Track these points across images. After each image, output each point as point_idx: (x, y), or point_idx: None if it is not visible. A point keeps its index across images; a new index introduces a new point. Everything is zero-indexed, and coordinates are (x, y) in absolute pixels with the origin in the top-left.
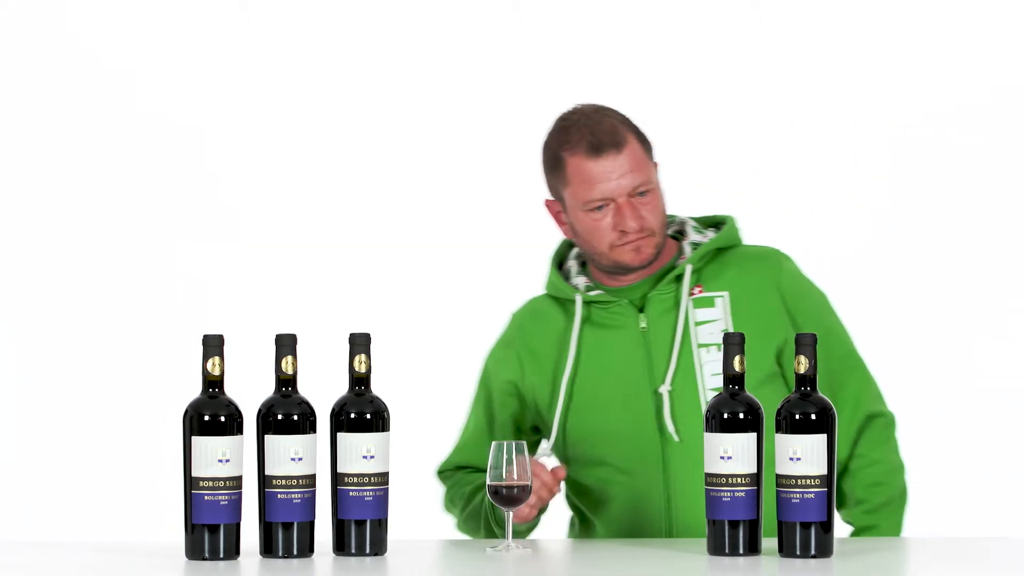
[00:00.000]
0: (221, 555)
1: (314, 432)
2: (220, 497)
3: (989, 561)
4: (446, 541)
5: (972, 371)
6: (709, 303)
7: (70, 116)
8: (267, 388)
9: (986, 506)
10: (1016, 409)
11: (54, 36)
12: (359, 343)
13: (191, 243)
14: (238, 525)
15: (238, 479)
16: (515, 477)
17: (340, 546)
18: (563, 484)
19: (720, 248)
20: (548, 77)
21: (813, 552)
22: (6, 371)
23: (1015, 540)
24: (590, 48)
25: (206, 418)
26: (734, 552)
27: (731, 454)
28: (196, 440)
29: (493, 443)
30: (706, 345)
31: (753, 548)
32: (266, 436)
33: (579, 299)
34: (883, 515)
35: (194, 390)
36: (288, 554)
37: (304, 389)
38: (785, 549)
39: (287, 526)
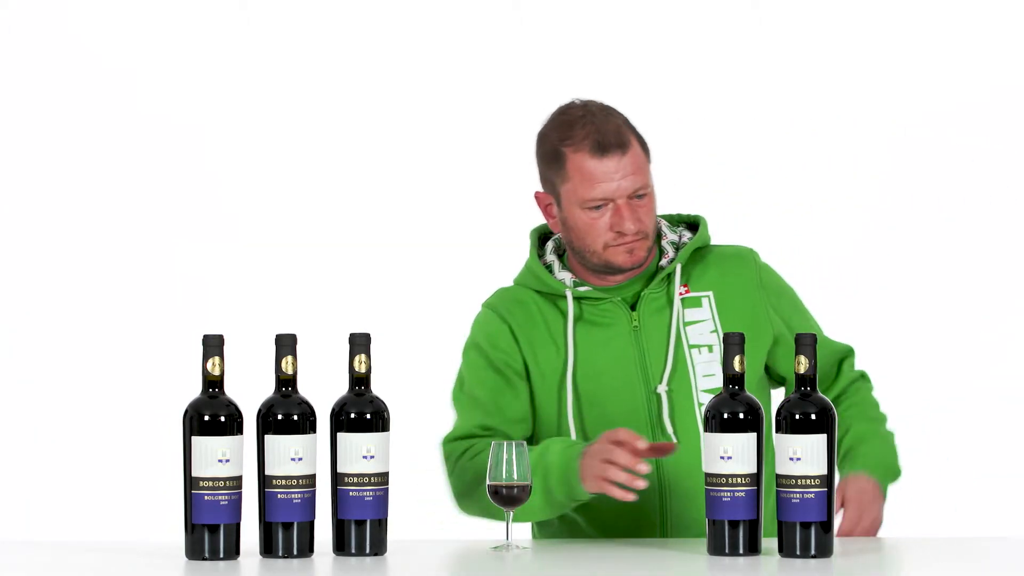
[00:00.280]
0: (221, 555)
1: (314, 432)
2: (220, 497)
3: (989, 561)
4: (446, 541)
5: (971, 371)
6: (696, 303)
7: (70, 116)
8: (267, 388)
9: (986, 506)
10: (1016, 409)
11: (54, 36)
12: (359, 343)
13: (191, 243)
14: (238, 525)
15: (238, 479)
16: (515, 477)
17: (340, 546)
18: None
19: (697, 248)
20: (548, 77)
21: (813, 552)
22: (6, 371)
23: (1015, 540)
24: (590, 48)
25: (206, 418)
26: (734, 552)
27: (731, 454)
28: (196, 440)
29: (493, 443)
30: (697, 346)
31: (753, 548)
32: (266, 436)
33: (570, 295)
34: (881, 427)
35: (194, 390)
36: (288, 554)
37: (304, 389)
38: (785, 549)
39: (287, 526)
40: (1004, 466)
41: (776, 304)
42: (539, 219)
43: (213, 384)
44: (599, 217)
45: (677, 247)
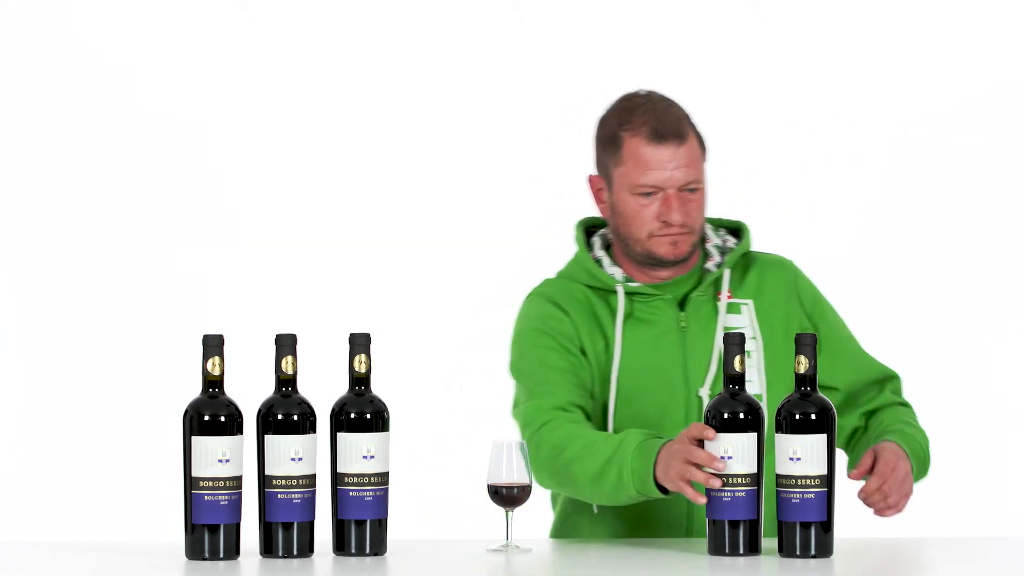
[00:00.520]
0: (221, 555)
1: (314, 432)
2: (220, 497)
3: (989, 561)
4: (446, 541)
5: (971, 371)
6: (736, 310)
7: (70, 116)
8: (267, 388)
9: (986, 506)
10: (1015, 409)
11: (54, 36)
12: (359, 343)
13: (191, 243)
14: (238, 525)
15: (238, 479)
16: (515, 477)
17: (340, 546)
18: None
19: (741, 253)
20: (548, 77)
21: (813, 552)
22: (6, 371)
23: (1015, 540)
24: (590, 48)
25: (206, 418)
26: (734, 552)
27: (731, 454)
28: (196, 440)
29: (493, 443)
30: None
31: (753, 548)
32: (266, 436)
33: (621, 290)
34: (918, 431)
35: (194, 390)
36: (288, 554)
37: (304, 389)
38: (785, 549)
39: (287, 526)
40: (1004, 466)
41: (811, 315)
42: (544, 224)
43: (213, 384)
44: (648, 205)
45: (722, 251)
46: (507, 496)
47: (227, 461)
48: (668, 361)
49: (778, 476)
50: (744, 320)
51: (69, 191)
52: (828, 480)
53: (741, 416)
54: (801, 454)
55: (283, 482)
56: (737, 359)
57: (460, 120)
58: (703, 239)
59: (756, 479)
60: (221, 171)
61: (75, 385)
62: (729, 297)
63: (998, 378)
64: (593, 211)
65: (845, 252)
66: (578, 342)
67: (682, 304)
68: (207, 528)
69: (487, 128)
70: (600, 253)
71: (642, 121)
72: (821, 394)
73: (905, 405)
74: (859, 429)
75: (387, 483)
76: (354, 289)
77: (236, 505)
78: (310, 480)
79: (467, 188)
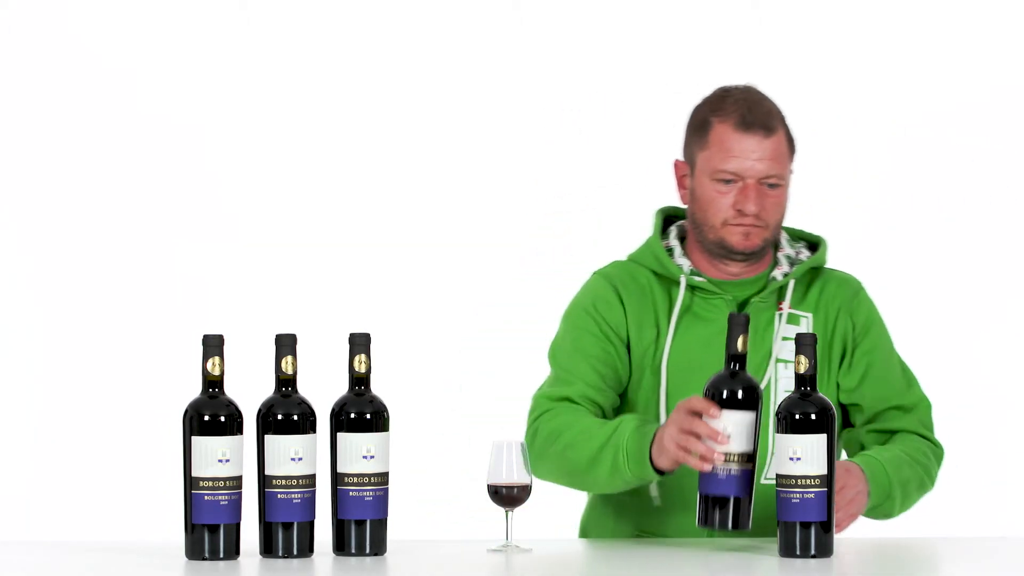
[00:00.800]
0: (221, 555)
1: (314, 432)
2: (220, 497)
3: (989, 561)
4: (446, 541)
5: (971, 371)
6: (795, 321)
7: (70, 116)
8: (267, 388)
9: (986, 506)
10: (1015, 409)
11: (54, 36)
12: (359, 343)
13: (191, 243)
14: (238, 525)
15: (238, 479)
16: (515, 477)
17: (340, 546)
18: None
19: (811, 267)
20: (548, 77)
21: (813, 552)
22: (6, 371)
23: (1015, 540)
24: (590, 48)
25: (206, 418)
26: (723, 527)
27: (729, 431)
28: (196, 440)
29: (493, 443)
30: (785, 361)
31: (736, 524)
32: (266, 436)
33: (684, 281)
34: (915, 466)
35: (194, 390)
36: (288, 554)
37: (304, 389)
38: (785, 549)
39: (287, 526)
40: (1004, 466)
41: (857, 334)
42: (544, 225)
43: (213, 384)
44: (726, 192)
45: (792, 262)
46: (507, 496)
47: (227, 461)
48: (718, 362)
49: (778, 476)
50: (800, 331)
51: (69, 191)
52: (828, 480)
53: (739, 395)
54: (801, 454)
55: (283, 482)
56: (740, 339)
57: (460, 120)
58: (776, 247)
59: (749, 458)
60: (221, 171)
61: (75, 385)
62: (789, 308)
63: (998, 378)
64: (674, 199)
65: (845, 252)
66: (624, 331)
67: (741, 308)
68: (207, 528)
69: (487, 128)
70: (674, 243)
71: (733, 108)
72: (821, 394)
73: (926, 439)
74: (864, 446)
75: (387, 483)
76: (354, 289)
77: (236, 505)
78: (310, 480)
79: (467, 188)
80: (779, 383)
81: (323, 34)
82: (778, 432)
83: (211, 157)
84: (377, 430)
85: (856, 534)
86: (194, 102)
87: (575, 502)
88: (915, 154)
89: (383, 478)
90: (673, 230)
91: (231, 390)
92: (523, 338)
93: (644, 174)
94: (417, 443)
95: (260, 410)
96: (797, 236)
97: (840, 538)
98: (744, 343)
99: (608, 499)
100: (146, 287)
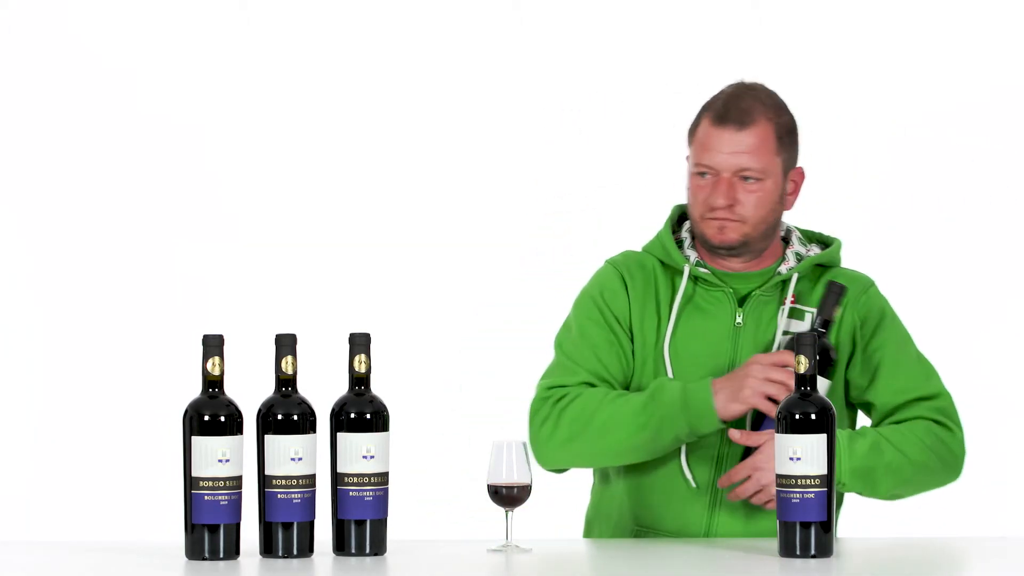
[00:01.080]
0: (221, 555)
1: (314, 432)
2: (220, 497)
3: (989, 561)
4: (446, 541)
5: (971, 371)
6: (799, 316)
7: (70, 116)
8: (267, 388)
9: (986, 506)
10: (1015, 409)
11: (54, 36)
12: (359, 343)
13: (191, 243)
14: (238, 525)
15: (238, 479)
16: (515, 477)
17: (340, 546)
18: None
19: (819, 264)
20: (548, 77)
21: (813, 552)
22: (6, 371)
23: (1015, 540)
24: (590, 48)
25: (206, 418)
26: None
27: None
28: (196, 440)
29: (493, 443)
30: None
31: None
32: (266, 436)
33: (687, 270)
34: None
35: (194, 390)
36: (288, 554)
37: (304, 389)
38: (785, 549)
39: (287, 526)
40: (1004, 466)
41: (867, 332)
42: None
43: (213, 384)
44: (704, 186)
45: (800, 259)
46: (507, 496)
47: (227, 461)
48: (718, 356)
49: (778, 476)
50: (804, 327)
51: (69, 191)
52: (828, 480)
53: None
54: (801, 454)
55: (283, 482)
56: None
57: (460, 120)
58: (787, 243)
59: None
60: (221, 171)
61: (75, 385)
62: (794, 302)
63: (998, 378)
64: (675, 197)
65: (845, 252)
66: (627, 320)
67: (742, 302)
68: (207, 528)
69: (487, 128)
70: (685, 235)
71: (715, 104)
72: (820, 394)
73: (938, 423)
74: None
75: (387, 483)
76: (354, 289)
77: (236, 505)
78: (310, 480)
79: (467, 188)
80: None
81: (323, 34)
82: (778, 432)
83: (211, 157)
84: (377, 430)
85: (856, 534)
86: (194, 102)
87: (575, 502)
88: (915, 154)
89: (383, 478)
90: (687, 223)
91: (231, 390)
92: (523, 338)
93: (644, 174)
94: (417, 443)
95: (260, 410)
96: (812, 237)
97: (840, 538)
98: (836, 311)
99: (611, 496)
100: (146, 287)
